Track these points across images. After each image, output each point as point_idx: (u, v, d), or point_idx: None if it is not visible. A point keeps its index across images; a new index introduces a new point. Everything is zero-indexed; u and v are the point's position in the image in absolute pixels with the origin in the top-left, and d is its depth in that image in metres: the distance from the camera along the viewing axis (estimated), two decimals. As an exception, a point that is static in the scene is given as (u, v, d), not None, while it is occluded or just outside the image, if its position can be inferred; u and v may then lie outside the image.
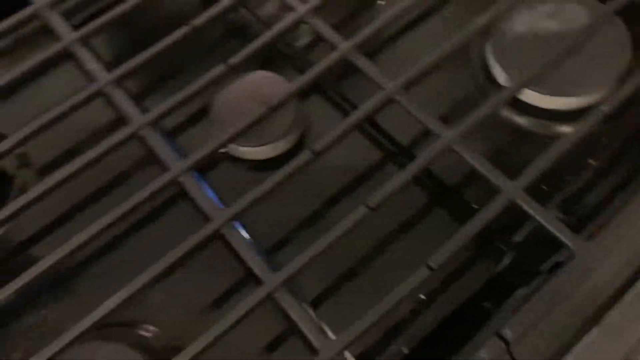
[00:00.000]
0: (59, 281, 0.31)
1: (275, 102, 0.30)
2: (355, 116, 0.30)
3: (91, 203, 0.34)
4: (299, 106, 0.33)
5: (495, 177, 0.27)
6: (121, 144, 0.30)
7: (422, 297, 0.29)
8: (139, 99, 0.38)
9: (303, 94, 0.35)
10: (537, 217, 0.26)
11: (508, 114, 0.34)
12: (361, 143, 0.34)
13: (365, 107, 0.30)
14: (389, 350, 0.29)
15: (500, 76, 0.34)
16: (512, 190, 0.27)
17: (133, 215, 0.30)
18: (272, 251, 0.32)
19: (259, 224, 0.31)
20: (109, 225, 0.28)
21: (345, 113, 0.36)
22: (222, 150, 0.33)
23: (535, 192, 0.28)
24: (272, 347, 0.29)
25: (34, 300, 0.30)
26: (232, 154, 0.34)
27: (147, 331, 0.30)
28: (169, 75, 0.38)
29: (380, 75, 0.31)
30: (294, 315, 0.25)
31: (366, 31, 0.32)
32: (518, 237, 0.30)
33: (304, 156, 0.29)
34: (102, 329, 0.28)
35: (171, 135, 0.36)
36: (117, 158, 0.32)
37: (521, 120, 0.34)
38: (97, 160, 0.30)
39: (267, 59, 0.37)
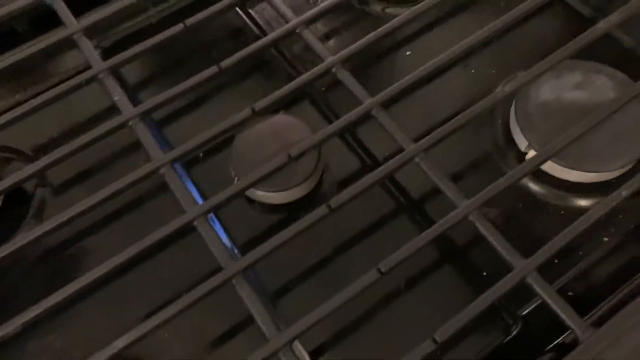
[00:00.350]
0: (66, 307, 0.31)
1: (297, 152, 0.31)
2: (374, 176, 0.30)
3: (102, 229, 0.34)
4: (319, 154, 0.33)
5: (508, 253, 0.27)
6: (141, 179, 0.31)
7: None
8: (158, 127, 0.38)
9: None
10: (547, 299, 0.26)
11: (524, 180, 0.34)
12: (375, 192, 0.34)
13: (385, 168, 0.30)
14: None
15: (521, 142, 0.34)
16: (524, 269, 0.27)
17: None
18: (277, 295, 0.32)
19: (266, 266, 0.32)
20: (123, 262, 0.28)
21: (360, 158, 0.36)
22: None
23: (545, 265, 0.29)
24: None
25: (40, 326, 0.31)
26: (248, 196, 0.34)
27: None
28: (189, 105, 0.39)
29: (403, 136, 0.31)
30: (296, 375, 0.25)
31: (392, 89, 0.32)
32: (524, 311, 0.30)
33: (319, 211, 0.29)
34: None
35: (187, 166, 0.36)
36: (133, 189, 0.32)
37: (537, 188, 0.34)
38: (117, 194, 0.30)
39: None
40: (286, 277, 0.32)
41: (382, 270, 0.27)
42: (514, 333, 0.30)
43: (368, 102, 0.32)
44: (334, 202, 0.29)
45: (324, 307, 0.26)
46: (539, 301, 0.30)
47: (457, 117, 0.31)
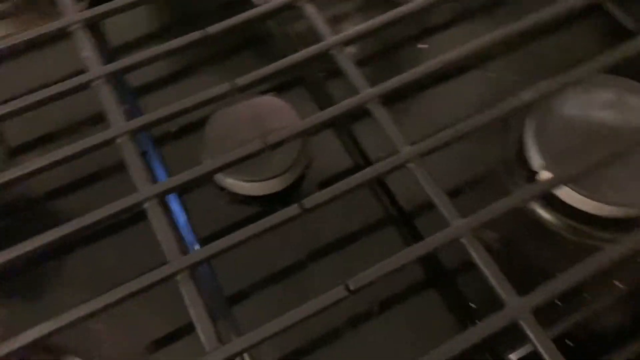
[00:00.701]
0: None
1: (275, 140, 0.27)
2: (358, 178, 0.26)
3: (49, 202, 0.31)
4: (302, 146, 0.29)
5: (501, 287, 0.23)
6: (96, 147, 0.27)
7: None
8: (134, 93, 0.34)
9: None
10: (540, 349, 0.22)
11: (533, 205, 0.30)
12: (360, 196, 0.30)
13: (372, 171, 0.26)
14: None
15: (535, 160, 0.30)
16: (518, 309, 0.23)
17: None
18: (234, 300, 0.28)
19: (226, 266, 0.28)
20: (62, 237, 0.25)
21: (353, 157, 0.32)
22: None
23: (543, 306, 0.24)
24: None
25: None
26: (217, 182, 0.30)
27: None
28: (174, 78, 0.35)
29: (398, 136, 0.27)
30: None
31: (394, 81, 0.28)
32: (513, 356, 0.26)
33: (291, 211, 0.25)
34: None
35: (159, 145, 0.32)
36: (89, 158, 0.28)
37: (546, 215, 0.30)
38: (73, 158, 0.27)
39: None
40: (247, 281, 0.28)
41: (351, 287, 0.23)
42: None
43: (365, 92, 0.28)
44: (309, 201, 0.25)
45: (277, 323, 0.23)
46: (531, 350, 0.26)
47: (463, 123, 0.27)
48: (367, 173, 0.26)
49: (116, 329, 0.27)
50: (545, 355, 0.22)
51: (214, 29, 0.30)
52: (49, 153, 0.27)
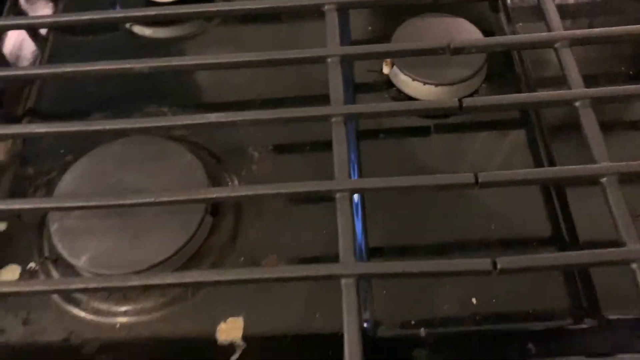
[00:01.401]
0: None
1: (458, 45, 0.29)
2: (522, 98, 0.27)
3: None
4: (482, 67, 0.31)
5: (627, 231, 0.23)
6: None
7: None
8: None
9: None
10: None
11: None
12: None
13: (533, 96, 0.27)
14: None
15: None
16: (636, 251, 0.22)
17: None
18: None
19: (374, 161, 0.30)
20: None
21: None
22: (386, 71, 0.33)
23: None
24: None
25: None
26: (393, 82, 0.33)
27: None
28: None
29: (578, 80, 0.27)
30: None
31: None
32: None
33: (448, 102, 0.27)
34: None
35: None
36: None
37: None
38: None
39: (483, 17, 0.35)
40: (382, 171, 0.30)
41: (479, 178, 0.25)
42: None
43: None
44: (468, 101, 0.27)
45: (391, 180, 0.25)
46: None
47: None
48: (525, 96, 0.27)
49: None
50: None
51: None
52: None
